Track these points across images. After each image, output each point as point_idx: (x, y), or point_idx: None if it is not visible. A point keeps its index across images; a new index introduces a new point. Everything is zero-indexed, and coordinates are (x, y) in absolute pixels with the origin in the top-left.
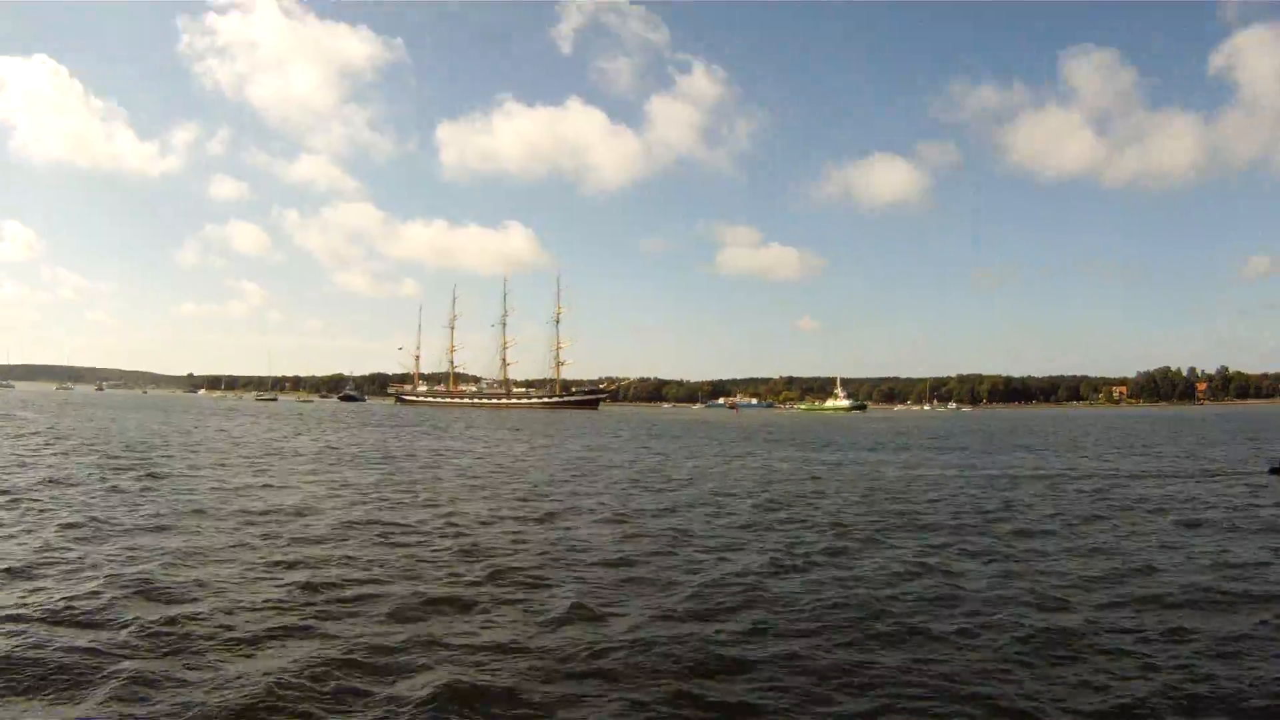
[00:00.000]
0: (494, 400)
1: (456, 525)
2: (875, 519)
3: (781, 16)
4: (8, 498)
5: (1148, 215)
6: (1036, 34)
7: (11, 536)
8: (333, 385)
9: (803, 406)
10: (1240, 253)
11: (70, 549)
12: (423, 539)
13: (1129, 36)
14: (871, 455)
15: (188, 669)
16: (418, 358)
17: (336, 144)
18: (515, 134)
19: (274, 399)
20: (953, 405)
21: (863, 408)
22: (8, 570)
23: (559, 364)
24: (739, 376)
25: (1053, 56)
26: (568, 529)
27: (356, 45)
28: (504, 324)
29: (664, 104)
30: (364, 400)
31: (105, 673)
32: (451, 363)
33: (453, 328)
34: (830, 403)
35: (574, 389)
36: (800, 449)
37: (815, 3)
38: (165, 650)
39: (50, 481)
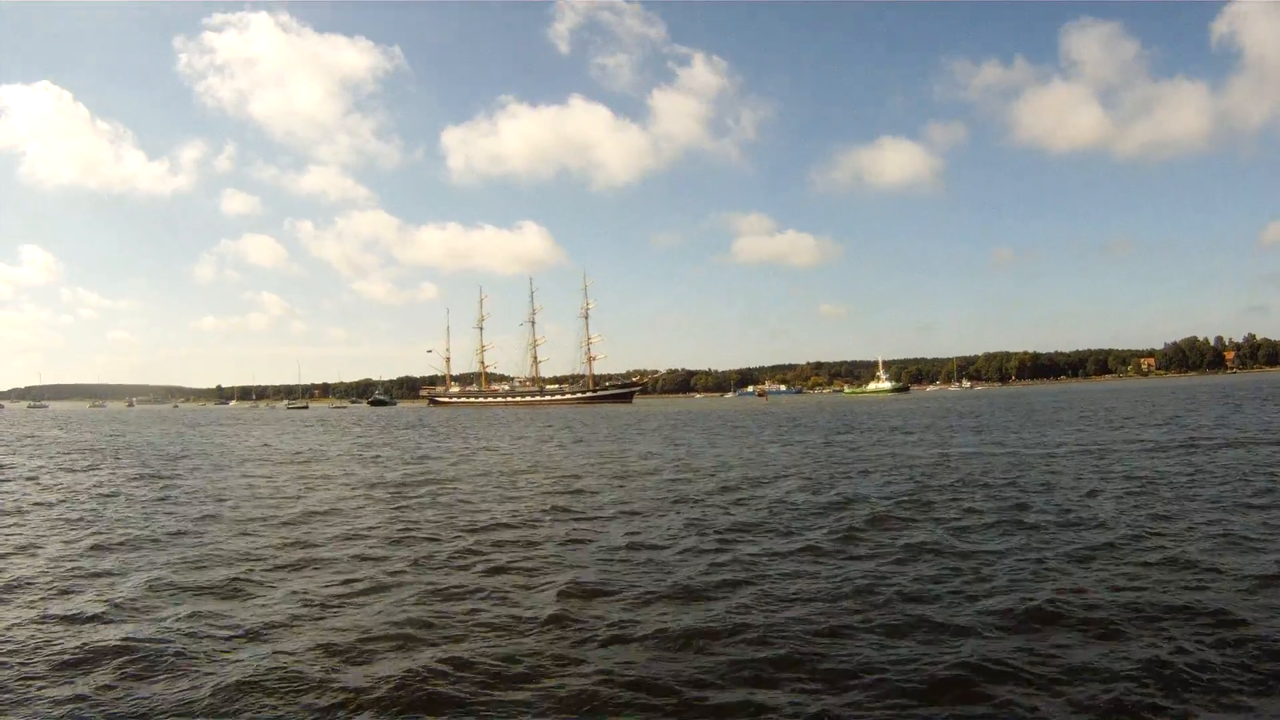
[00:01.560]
0: (529, 398)
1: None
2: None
3: (777, 3)
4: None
5: (1161, 186)
6: (1035, 9)
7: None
8: (361, 391)
9: (848, 390)
10: (1257, 218)
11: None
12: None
13: (1128, 8)
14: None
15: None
16: (448, 359)
17: (344, 154)
18: (520, 135)
19: (305, 407)
20: (967, 384)
21: (905, 389)
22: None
23: (590, 359)
24: (765, 364)
25: (1053, 31)
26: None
27: (355, 56)
28: (533, 322)
29: (666, 97)
30: (394, 404)
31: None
32: (482, 362)
33: (481, 328)
34: (873, 385)
35: (607, 383)
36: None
37: None
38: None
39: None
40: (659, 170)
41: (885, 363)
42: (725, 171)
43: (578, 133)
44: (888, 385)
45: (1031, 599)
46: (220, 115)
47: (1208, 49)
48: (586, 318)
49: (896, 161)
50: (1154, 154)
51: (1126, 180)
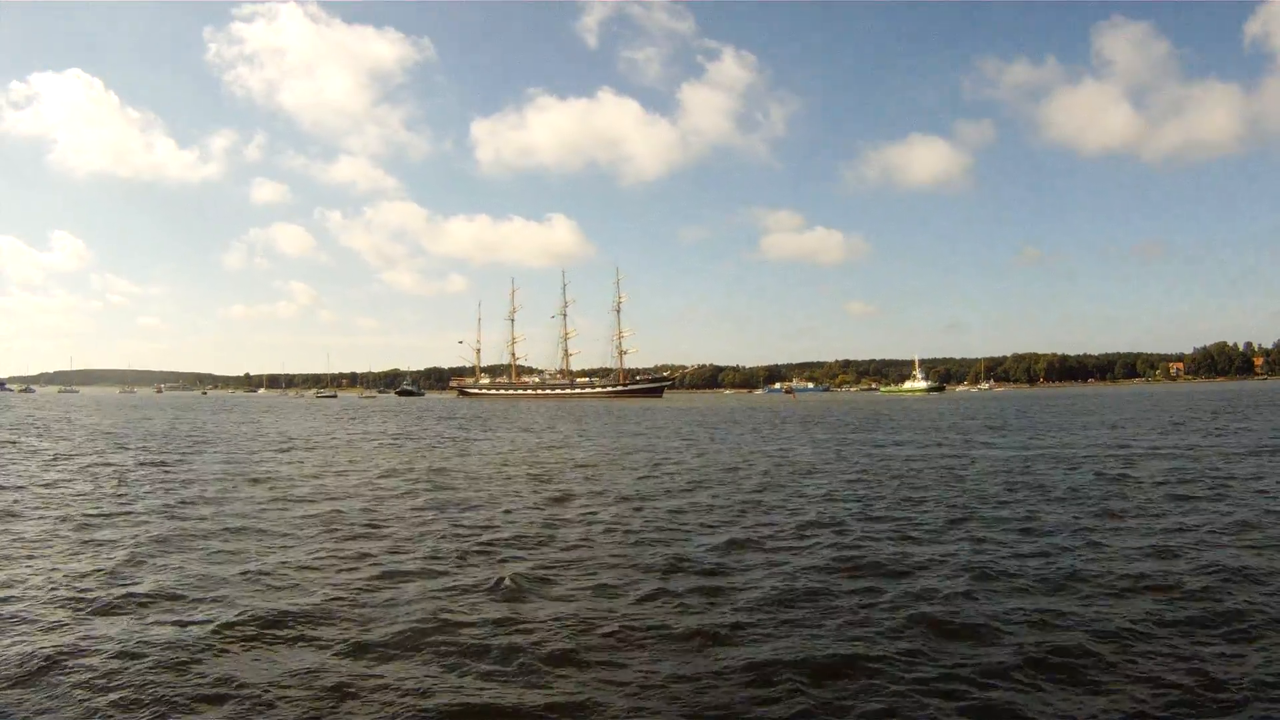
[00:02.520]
0: (559, 390)
1: None
2: None
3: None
4: None
5: (1192, 188)
6: (1066, 8)
7: None
8: (389, 381)
9: (882, 389)
10: None
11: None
12: None
13: (1160, 8)
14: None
15: None
16: (478, 351)
17: (373, 145)
18: (549, 127)
19: (333, 395)
20: (987, 385)
21: (941, 389)
22: None
23: (622, 352)
24: (793, 361)
25: (1084, 30)
26: None
27: (385, 47)
28: (564, 315)
29: (696, 92)
30: (422, 394)
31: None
32: (513, 354)
33: (513, 320)
34: (909, 384)
35: (637, 377)
36: None
37: None
38: None
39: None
40: (688, 165)
41: (900, 362)
42: (754, 167)
43: (607, 126)
44: (923, 385)
45: None
46: (249, 105)
47: (1240, 50)
48: (619, 311)
49: (925, 159)
50: (1185, 155)
51: (1157, 182)
